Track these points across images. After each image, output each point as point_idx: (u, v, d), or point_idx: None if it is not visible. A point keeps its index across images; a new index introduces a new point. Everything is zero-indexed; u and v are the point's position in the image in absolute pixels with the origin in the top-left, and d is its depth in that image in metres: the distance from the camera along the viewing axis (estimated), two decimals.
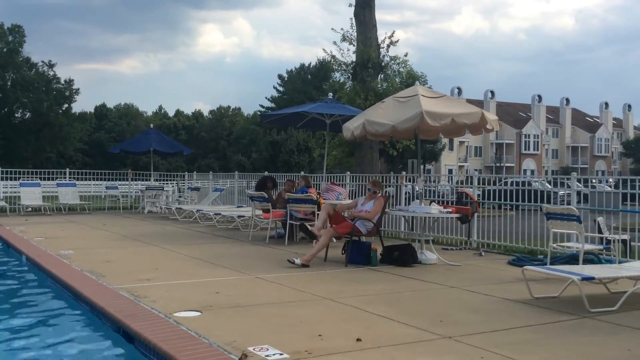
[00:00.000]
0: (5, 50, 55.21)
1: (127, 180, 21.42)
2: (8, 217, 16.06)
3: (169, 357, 4.12)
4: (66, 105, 59.37)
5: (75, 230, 13.10)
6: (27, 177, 19.41)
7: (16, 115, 57.89)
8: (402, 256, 8.42)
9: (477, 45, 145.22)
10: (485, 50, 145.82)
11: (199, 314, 5.35)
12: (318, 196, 10.63)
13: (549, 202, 10.23)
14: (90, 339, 5.21)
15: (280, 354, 4.17)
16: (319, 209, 10.15)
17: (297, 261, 8.05)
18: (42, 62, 58.57)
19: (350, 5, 18.63)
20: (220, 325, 4.98)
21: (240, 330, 4.83)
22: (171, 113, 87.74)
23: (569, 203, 9.44)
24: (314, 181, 14.49)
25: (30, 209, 17.81)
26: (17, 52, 56.24)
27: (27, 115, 57.89)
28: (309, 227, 8.38)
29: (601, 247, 8.14)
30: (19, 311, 6.19)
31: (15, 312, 6.16)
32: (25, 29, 56.90)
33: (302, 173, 14.32)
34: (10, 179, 19.41)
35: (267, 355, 4.14)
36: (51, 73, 58.42)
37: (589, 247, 7.79)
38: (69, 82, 59.13)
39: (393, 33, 19.88)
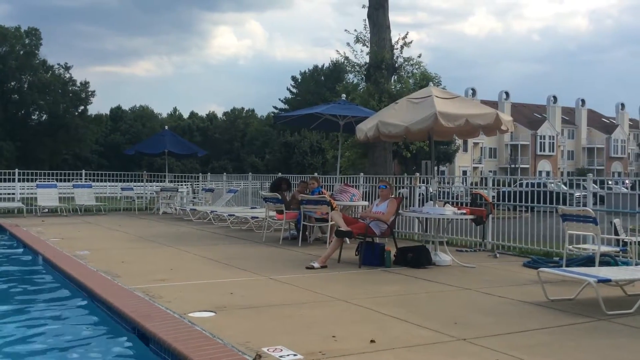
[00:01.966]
0: (22, 53, 55.91)
1: (142, 181, 21.57)
2: (25, 218, 16.23)
3: (183, 357, 4.14)
4: (82, 108, 60.04)
5: (91, 231, 13.21)
6: (44, 179, 19.62)
7: (33, 117, 58.62)
8: (416, 258, 8.39)
9: (491, 46, 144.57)
10: (499, 52, 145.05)
11: (213, 314, 5.37)
12: (330, 197, 10.63)
13: (564, 203, 10.15)
14: (106, 338, 5.25)
15: (294, 355, 4.18)
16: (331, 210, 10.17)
17: (316, 265, 8.06)
18: (58, 64, 59.34)
19: (363, 6, 18.62)
20: (235, 325, 4.99)
21: (255, 330, 4.84)
22: (185, 115, 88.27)
23: (585, 205, 9.35)
24: (327, 182, 14.50)
25: (46, 210, 17.99)
26: (34, 54, 56.94)
27: (44, 118, 58.56)
28: (341, 230, 8.47)
29: (618, 249, 8.06)
30: (35, 311, 6.26)
31: (32, 312, 6.23)
32: (41, 32, 57.66)
33: (316, 174, 14.32)
34: (27, 181, 19.63)
35: (281, 356, 4.14)
36: (67, 75, 59.15)
37: (605, 249, 7.71)
38: (85, 85, 59.79)
39: (407, 34, 19.83)
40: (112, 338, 5.24)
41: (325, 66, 72.73)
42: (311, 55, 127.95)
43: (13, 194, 19.30)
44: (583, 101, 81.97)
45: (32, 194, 19.20)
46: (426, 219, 9.28)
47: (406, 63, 20.62)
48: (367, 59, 19.41)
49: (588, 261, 7.88)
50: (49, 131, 56.20)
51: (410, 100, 9.14)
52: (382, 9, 18.06)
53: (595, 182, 10.29)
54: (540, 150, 75.96)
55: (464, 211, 9.01)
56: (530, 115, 78.10)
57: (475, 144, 72.32)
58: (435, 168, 10.69)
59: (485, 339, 4.71)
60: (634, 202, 9.14)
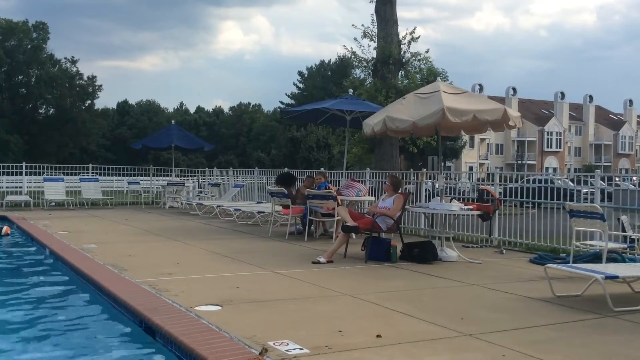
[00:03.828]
0: (29, 47, 56.10)
1: (149, 175, 21.62)
2: (32, 212, 16.30)
3: (190, 350, 4.16)
4: (89, 102, 60.22)
5: (98, 224, 13.26)
6: (51, 172, 19.67)
7: (40, 111, 58.80)
8: (422, 253, 8.39)
9: (498, 42, 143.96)
10: (506, 47, 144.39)
11: (219, 308, 5.38)
12: (336, 192, 10.63)
13: (571, 200, 10.11)
14: (112, 331, 5.27)
15: (301, 349, 4.18)
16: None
17: (322, 260, 8.06)
18: (65, 58, 59.48)
19: (370, 1, 18.58)
20: (241, 319, 5.01)
21: (261, 324, 4.85)
22: (192, 109, 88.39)
23: (592, 201, 9.31)
24: (334, 178, 14.49)
25: (53, 203, 18.07)
26: (41, 48, 57.10)
27: (51, 111, 58.76)
28: (348, 225, 8.46)
29: (625, 245, 8.02)
30: (43, 304, 6.29)
31: (39, 304, 6.26)
32: (49, 26, 57.81)
33: (322, 169, 14.32)
34: (34, 174, 19.71)
35: (287, 350, 4.15)
36: (74, 69, 59.29)
37: (612, 245, 7.68)
38: (92, 79, 59.97)
39: (414, 29, 19.76)
40: (118, 331, 5.26)
41: (331, 61, 72.67)
42: (317, 50, 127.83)
43: (20, 187, 19.39)
44: (591, 97, 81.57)
45: (39, 187, 19.27)
46: (432, 214, 9.26)
47: (413, 58, 20.55)
48: (374, 54, 19.37)
49: (595, 258, 7.86)
50: (56, 125, 56.40)
51: (418, 95, 9.11)
52: (390, 4, 18.02)
53: (602, 178, 10.24)
54: (547, 147, 75.67)
55: (471, 207, 8.98)
56: (537, 111, 77.77)
57: (482, 139, 72.08)
58: (442, 164, 10.66)
59: (491, 334, 4.71)
60: None
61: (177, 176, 22.56)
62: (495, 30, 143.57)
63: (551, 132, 75.78)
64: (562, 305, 5.82)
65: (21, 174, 19.20)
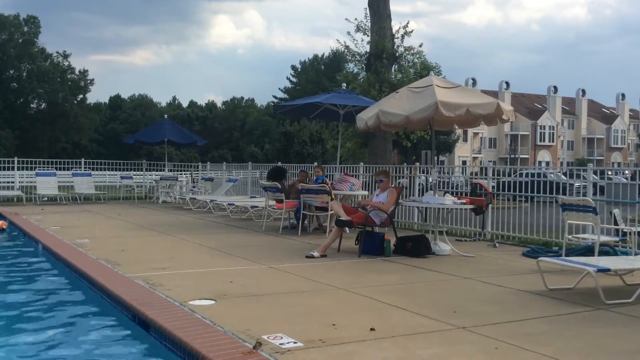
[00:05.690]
0: (20, 41, 55.73)
1: (142, 170, 21.56)
2: (24, 207, 16.23)
3: (184, 344, 4.16)
4: (81, 96, 59.90)
5: (91, 219, 13.21)
6: (43, 167, 19.58)
7: (32, 105, 58.52)
8: (415, 247, 8.40)
9: (490, 36, 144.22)
10: (498, 41, 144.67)
11: (213, 302, 5.38)
12: (330, 187, 10.63)
13: (564, 193, 10.15)
14: (106, 326, 5.26)
15: (294, 343, 4.19)
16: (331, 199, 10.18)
17: (316, 254, 8.06)
18: (57, 52, 59.16)
19: None
20: (235, 313, 5.01)
21: (254, 318, 4.86)
22: (185, 104, 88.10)
23: (584, 195, 9.36)
24: (327, 172, 14.49)
25: (46, 198, 17.99)
26: (33, 42, 56.73)
27: (43, 106, 58.45)
28: (342, 219, 8.45)
29: (617, 239, 8.06)
30: (36, 299, 6.26)
31: (32, 299, 6.23)
32: (40, 20, 57.41)
33: (316, 164, 14.33)
34: (26, 169, 19.61)
35: (281, 344, 4.16)
36: (66, 64, 58.96)
37: (604, 238, 7.72)
38: (84, 73, 59.67)
39: (407, 23, 19.72)
40: (112, 326, 5.25)
41: (325, 55, 72.59)
42: (310, 44, 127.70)
43: (12, 182, 19.29)
44: (583, 91, 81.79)
45: (31, 182, 19.18)
46: (426, 208, 9.28)
47: (407, 52, 20.53)
48: (367, 48, 19.32)
49: (587, 251, 7.91)
50: (48, 119, 56.12)
51: (411, 89, 9.11)
52: None
53: (595, 172, 10.28)
54: (540, 141, 75.88)
55: (464, 201, 9.00)
56: (530, 105, 77.95)
57: (475, 134, 72.23)
58: (435, 158, 10.67)
59: (484, 327, 4.73)
60: (633, 192, 9.14)
61: (170, 171, 22.49)
62: (488, 24, 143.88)
63: (544, 126, 75.97)
64: (555, 298, 5.85)
65: (13, 168, 19.10)
